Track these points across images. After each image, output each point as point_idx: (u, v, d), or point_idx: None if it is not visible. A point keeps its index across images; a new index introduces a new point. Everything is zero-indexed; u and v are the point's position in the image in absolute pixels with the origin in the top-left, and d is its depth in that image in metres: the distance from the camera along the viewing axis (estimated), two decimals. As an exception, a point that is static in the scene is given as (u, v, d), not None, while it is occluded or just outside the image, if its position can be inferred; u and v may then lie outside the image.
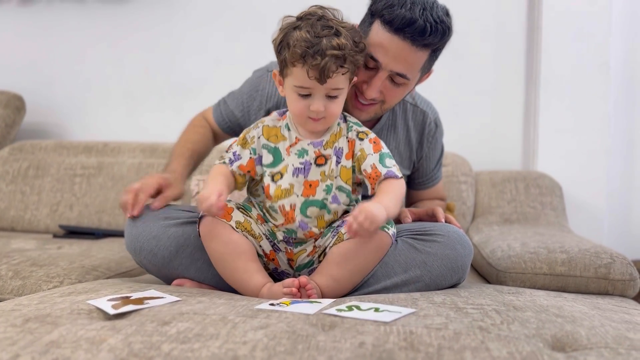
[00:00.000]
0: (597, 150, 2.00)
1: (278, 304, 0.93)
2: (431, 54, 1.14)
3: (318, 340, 0.72)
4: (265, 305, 0.90)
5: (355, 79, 1.10)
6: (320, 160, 1.10)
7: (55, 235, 1.86)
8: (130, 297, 0.94)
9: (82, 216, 1.98)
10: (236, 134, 1.39)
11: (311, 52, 0.99)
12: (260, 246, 1.11)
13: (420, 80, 1.24)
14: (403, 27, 1.07)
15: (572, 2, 1.98)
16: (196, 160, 1.39)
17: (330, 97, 1.04)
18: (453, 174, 1.87)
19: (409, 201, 1.51)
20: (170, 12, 2.32)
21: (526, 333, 0.77)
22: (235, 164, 1.12)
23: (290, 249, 1.13)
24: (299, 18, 1.05)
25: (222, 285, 1.14)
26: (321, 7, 1.07)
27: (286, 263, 1.14)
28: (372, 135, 1.12)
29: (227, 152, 1.14)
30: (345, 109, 1.18)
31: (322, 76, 1.00)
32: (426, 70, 1.20)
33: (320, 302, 0.94)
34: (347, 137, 1.11)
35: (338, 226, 1.10)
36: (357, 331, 0.75)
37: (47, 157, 2.10)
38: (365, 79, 1.14)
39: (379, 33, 1.10)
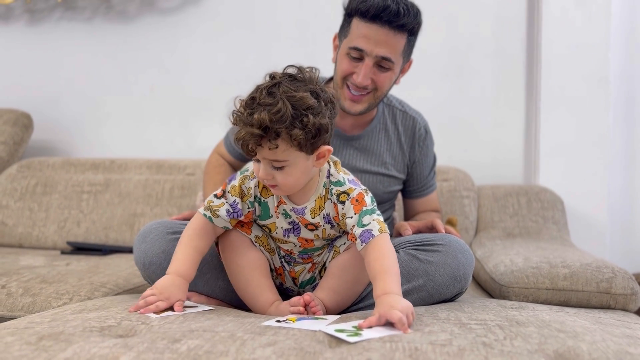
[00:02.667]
0: (598, 163, 2.01)
1: (284, 320, 0.95)
2: (408, 38, 1.27)
3: (325, 357, 0.74)
4: (272, 322, 0.92)
5: (327, 148, 1.00)
6: (311, 227, 1.09)
7: (63, 252, 1.88)
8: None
9: (89, 233, 2.00)
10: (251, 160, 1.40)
11: (242, 123, 0.95)
12: (271, 259, 1.15)
13: (402, 70, 1.35)
14: (379, 13, 1.21)
15: (571, 18, 2.01)
16: None
17: (277, 168, 0.98)
18: (455, 188, 1.90)
19: (406, 214, 1.55)
20: (175, 31, 2.36)
21: (529, 348, 0.79)
22: (235, 216, 1.08)
23: (291, 268, 1.17)
24: (268, 76, 0.99)
25: (228, 298, 1.17)
26: (292, 67, 1.00)
27: (291, 280, 1.18)
28: (356, 192, 1.03)
29: (217, 198, 1.08)
30: (341, 107, 1.30)
31: (247, 152, 0.97)
32: (407, 56, 1.31)
33: (325, 319, 0.96)
34: (332, 201, 1.05)
35: (333, 241, 1.14)
36: (363, 348, 0.77)
37: (54, 174, 2.13)
38: (353, 70, 1.26)
39: (359, 26, 1.24)
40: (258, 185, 1.08)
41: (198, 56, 2.35)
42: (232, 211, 1.07)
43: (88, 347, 0.78)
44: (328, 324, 0.91)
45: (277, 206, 1.08)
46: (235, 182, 1.08)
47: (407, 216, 1.56)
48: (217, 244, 1.16)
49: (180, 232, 1.17)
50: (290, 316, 0.99)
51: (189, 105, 2.35)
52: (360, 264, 1.06)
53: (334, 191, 1.04)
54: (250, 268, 1.10)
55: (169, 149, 2.33)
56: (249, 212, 1.09)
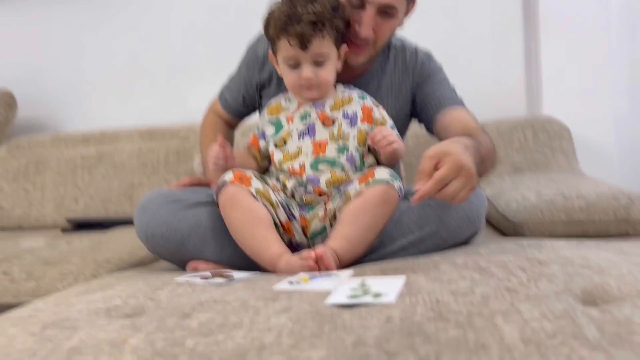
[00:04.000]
0: (602, 87, 1.95)
1: (296, 281, 0.91)
2: None
3: (344, 319, 0.70)
4: (284, 285, 0.89)
5: (345, 47, 1.15)
6: (328, 122, 1.15)
7: (64, 230, 1.85)
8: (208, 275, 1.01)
9: (88, 207, 1.96)
10: (248, 116, 1.45)
11: (289, 21, 1.06)
12: (276, 215, 1.10)
13: (407, 13, 1.24)
14: None
15: None
16: None
17: (318, 64, 1.10)
18: (458, 127, 1.84)
19: (439, 136, 1.31)
20: (151, -11, 2.25)
21: (555, 289, 0.75)
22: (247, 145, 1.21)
23: (303, 214, 1.13)
24: None
25: (237, 265, 1.13)
26: None
27: (301, 232, 1.14)
28: (380, 105, 1.20)
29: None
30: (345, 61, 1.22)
31: (303, 42, 1.07)
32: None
33: (337, 275, 0.92)
34: (360, 103, 1.17)
35: (345, 187, 1.10)
36: (382, 305, 0.73)
37: (45, 151, 2.07)
38: (356, 19, 1.17)
39: None
40: (267, 112, 1.21)
41: (177, 14, 2.24)
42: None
43: (94, 332, 0.74)
44: (341, 285, 0.87)
45: (298, 108, 1.17)
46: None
47: (439, 137, 1.27)
48: (217, 204, 1.11)
49: (179, 200, 1.14)
50: (302, 275, 0.95)
51: (175, 66, 2.27)
52: (374, 209, 1.03)
53: (368, 98, 1.19)
54: (253, 222, 1.06)
55: (159, 115, 2.26)
56: (253, 135, 1.21)
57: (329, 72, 1.12)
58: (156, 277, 1.04)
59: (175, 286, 0.94)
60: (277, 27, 1.08)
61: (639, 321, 0.62)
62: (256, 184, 1.09)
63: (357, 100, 1.18)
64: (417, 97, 1.30)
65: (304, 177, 1.12)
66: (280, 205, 1.11)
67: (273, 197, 1.10)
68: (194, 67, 2.23)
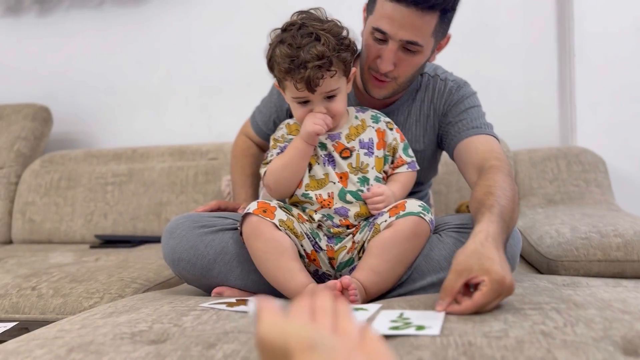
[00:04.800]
0: (639, 118, 1.89)
1: (323, 313, 0.89)
2: (441, 17, 1.10)
3: (372, 358, 0.68)
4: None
5: (354, 69, 1.13)
6: (345, 153, 1.12)
7: (92, 246, 1.86)
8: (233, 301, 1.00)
9: (116, 224, 1.98)
10: None
11: (294, 66, 1.02)
12: (302, 246, 1.09)
13: (439, 48, 1.20)
14: None
15: (604, -36, 1.88)
16: (257, 184, 1.46)
17: (329, 99, 1.07)
18: (490, 156, 1.80)
19: (457, 164, 1.25)
20: (186, 10, 2.28)
21: (593, 336, 0.72)
22: None
23: (330, 245, 1.10)
24: (283, 29, 1.07)
25: (261, 291, 1.12)
26: (301, 12, 1.09)
27: (327, 263, 1.12)
28: (394, 124, 1.19)
29: (265, 160, 1.19)
30: (366, 89, 1.20)
31: (310, 86, 1.03)
32: (441, 35, 1.15)
33: (366, 310, 0.90)
34: (374, 128, 1.15)
35: (374, 219, 1.07)
36: (411, 345, 0.71)
37: (77, 167, 2.10)
38: (378, 54, 1.13)
39: (383, 5, 1.09)
40: (286, 129, 1.18)
41: (211, 34, 2.27)
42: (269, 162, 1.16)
43: (119, 359, 0.73)
44: (370, 317, 0.85)
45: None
46: (271, 140, 1.19)
47: (468, 183, 1.19)
48: (241, 234, 1.10)
49: (207, 226, 1.13)
50: (328, 308, 0.93)
51: (207, 87, 2.29)
52: (404, 242, 1.01)
53: (381, 119, 1.17)
54: (277, 253, 1.04)
55: (189, 134, 2.28)
56: (278, 154, 1.16)
57: (340, 102, 1.09)
58: (181, 301, 1.03)
59: (200, 312, 0.93)
60: (281, 70, 1.04)
61: (686, 378, 0.59)
62: (280, 214, 1.07)
63: (370, 125, 1.16)
64: (441, 126, 1.26)
65: (332, 209, 1.10)
66: (305, 236, 1.09)
67: (298, 227, 1.08)
68: (226, 89, 2.25)
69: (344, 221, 1.10)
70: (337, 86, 1.06)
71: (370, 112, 1.19)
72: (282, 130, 1.19)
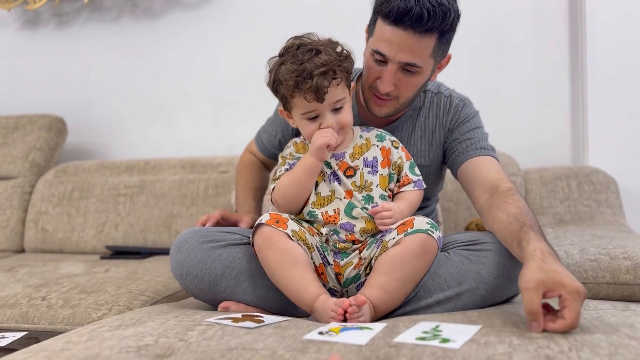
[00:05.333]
0: (653, 139, 1.88)
1: (327, 332, 0.89)
2: (439, 38, 1.12)
3: (374, 379, 0.69)
4: (314, 335, 0.87)
5: (353, 84, 1.16)
6: (349, 172, 1.13)
7: (103, 257, 1.88)
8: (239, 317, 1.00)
9: (127, 235, 1.99)
10: None
11: (301, 79, 1.04)
12: (311, 258, 1.09)
13: (439, 67, 1.22)
14: (401, 18, 1.08)
15: (617, -16, 1.88)
16: (260, 198, 1.48)
17: (337, 110, 1.09)
18: (500, 174, 1.80)
19: (461, 182, 1.26)
20: (201, 25, 2.31)
21: (598, 361, 0.71)
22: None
23: (337, 261, 1.11)
24: (281, 55, 1.11)
25: (268, 306, 1.13)
26: (296, 37, 1.13)
27: (334, 278, 1.12)
28: (400, 143, 1.19)
29: (274, 177, 1.20)
30: (367, 107, 1.22)
31: (319, 95, 1.05)
32: (440, 55, 1.17)
33: (371, 329, 0.90)
34: (378, 147, 1.16)
35: (382, 236, 1.08)
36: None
37: (90, 178, 2.13)
38: (378, 75, 1.16)
39: (382, 28, 1.12)
40: (294, 147, 1.19)
41: (225, 49, 2.30)
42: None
43: (124, 373, 0.74)
44: (375, 335, 0.85)
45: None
46: (279, 158, 1.21)
47: (473, 201, 1.21)
48: (253, 244, 1.11)
49: (215, 240, 1.14)
50: (333, 326, 0.93)
51: (219, 101, 2.31)
52: (412, 259, 1.01)
53: (386, 138, 1.18)
54: (290, 262, 1.05)
55: (201, 147, 2.30)
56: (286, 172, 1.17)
57: (348, 113, 1.11)
58: (187, 315, 1.04)
59: (206, 327, 0.93)
60: (289, 85, 1.06)
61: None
62: (292, 225, 1.08)
63: (375, 144, 1.16)
64: (447, 141, 1.28)
65: (338, 224, 1.10)
66: (315, 249, 1.10)
67: (309, 239, 1.09)
68: (238, 103, 2.27)
69: (349, 236, 1.10)
70: (343, 96, 1.09)
71: (376, 132, 1.19)
72: (289, 149, 1.20)
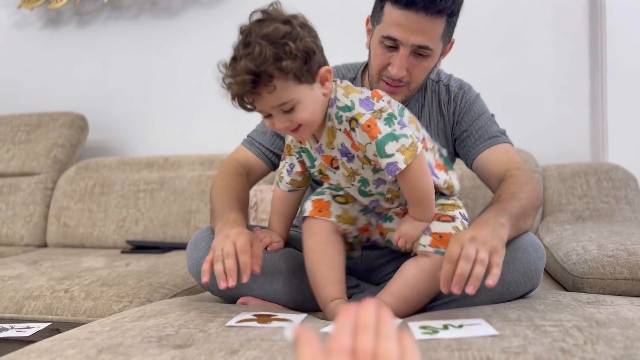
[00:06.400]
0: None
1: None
2: (448, 20, 1.12)
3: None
4: (331, 329, 0.88)
5: (326, 69, 0.99)
6: (334, 163, 1.08)
7: (123, 251, 1.91)
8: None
9: (147, 230, 2.03)
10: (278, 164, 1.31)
11: (227, 83, 0.96)
12: (356, 223, 1.14)
13: (443, 52, 1.21)
14: (413, 0, 1.07)
15: (638, -20, 1.86)
16: (246, 211, 1.25)
17: (287, 111, 0.96)
18: (517, 170, 1.79)
19: (488, 184, 1.24)
20: (218, 23, 2.34)
21: (614, 354, 0.72)
22: (293, 173, 1.17)
23: (379, 223, 1.15)
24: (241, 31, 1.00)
25: (284, 301, 1.14)
26: (254, 11, 1.02)
27: (378, 234, 1.17)
28: (365, 118, 0.97)
29: (281, 169, 1.19)
30: None
31: (244, 106, 0.97)
32: (447, 39, 1.17)
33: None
34: (341, 130, 1.01)
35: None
36: (429, 358, 0.72)
37: (111, 174, 2.17)
38: (388, 61, 1.15)
39: (392, 13, 1.10)
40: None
41: (244, 48, 2.32)
42: (290, 170, 1.16)
43: (146, 361, 0.76)
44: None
45: (311, 147, 1.09)
46: (287, 141, 1.16)
47: (491, 187, 1.22)
48: None
49: None
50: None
51: (237, 98, 2.33)
52: (436, 279, 0.94)
53: (343, 118, 1.00)
54: (322, 257, 1.09)
55: (219, 144, 2.32)
56: (300, 162, 1.14)
57: (301, 112, 0.96)
58: (207, 307, 1.06)
59: (225, 319, 0.95)
60: (223, 82, 0.98)
61: None
62: (335, 209, 1.12)
63: (338, 128, 1.01)
64: (454, 133, 1.27)
65: (370, 190, 1.09)
66: (360, 215, 1.14)
67: (351, 211, 1.13)
68: (256, 99, 2.29)
69: (380, 209, 1.14)
70: (288, 98, 0.94)
71: (335, 110, 1.01)
72: (290, 137, 1.14)
